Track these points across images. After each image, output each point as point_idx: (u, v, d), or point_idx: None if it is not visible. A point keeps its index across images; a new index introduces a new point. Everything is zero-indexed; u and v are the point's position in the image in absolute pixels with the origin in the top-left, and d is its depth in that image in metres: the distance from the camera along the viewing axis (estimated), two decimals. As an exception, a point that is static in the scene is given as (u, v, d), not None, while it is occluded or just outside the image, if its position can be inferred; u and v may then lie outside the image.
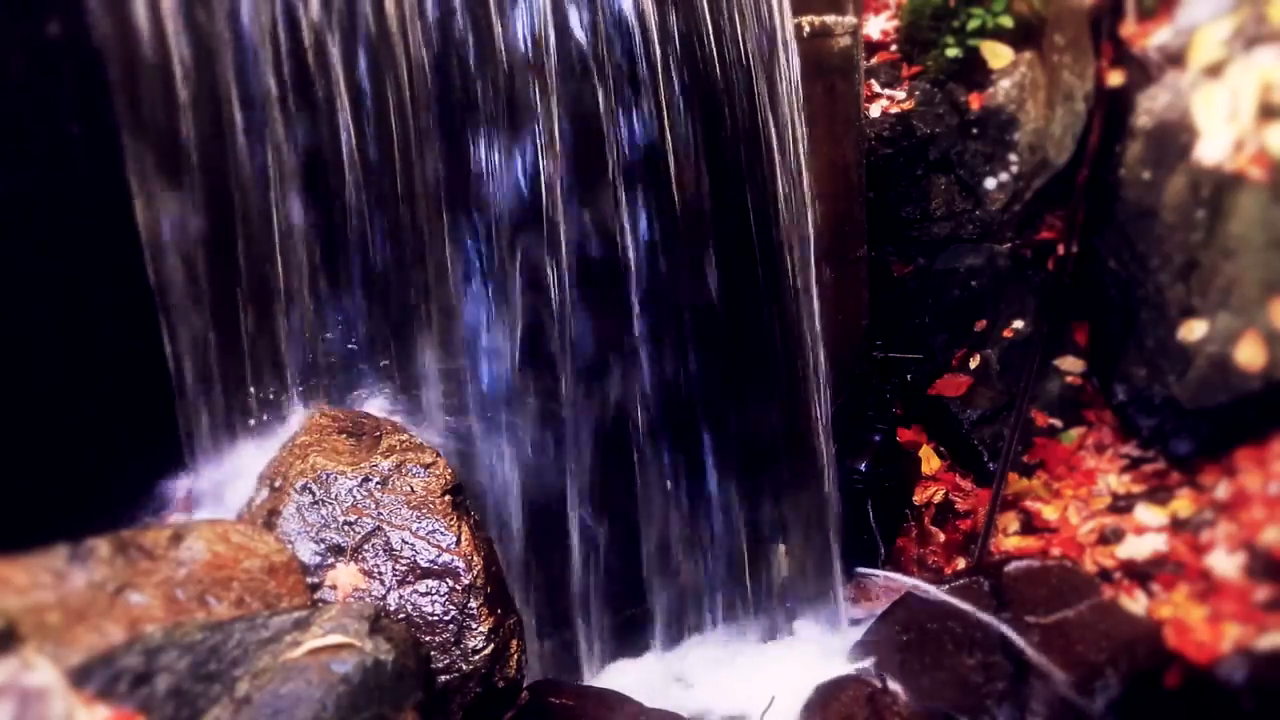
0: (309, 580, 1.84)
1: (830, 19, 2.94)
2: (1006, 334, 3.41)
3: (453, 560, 1.88)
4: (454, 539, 1.90)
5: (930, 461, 3.35)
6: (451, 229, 2.30)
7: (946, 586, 2.69)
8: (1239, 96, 2.97)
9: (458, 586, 1.86)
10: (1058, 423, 3.30)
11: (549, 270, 2.40)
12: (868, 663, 2.57)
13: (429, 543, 1.89)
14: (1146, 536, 2.91)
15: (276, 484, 1.95)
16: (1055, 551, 2.95)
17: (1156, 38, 3.31)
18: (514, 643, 1.89)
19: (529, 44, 2.27)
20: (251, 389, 2.13)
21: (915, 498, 3.29)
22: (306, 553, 1.86)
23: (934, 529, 3.24)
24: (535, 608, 2.47)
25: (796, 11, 2.73)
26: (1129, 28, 3.42)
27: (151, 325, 2.00)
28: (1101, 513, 3.04)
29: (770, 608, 2.88)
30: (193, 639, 1.51)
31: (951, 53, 3.36)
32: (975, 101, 3.36)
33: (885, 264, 3.44)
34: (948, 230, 3.42)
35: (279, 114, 2.06)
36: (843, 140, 3.06)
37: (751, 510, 2.82)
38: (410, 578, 1.86)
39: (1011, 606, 2.59)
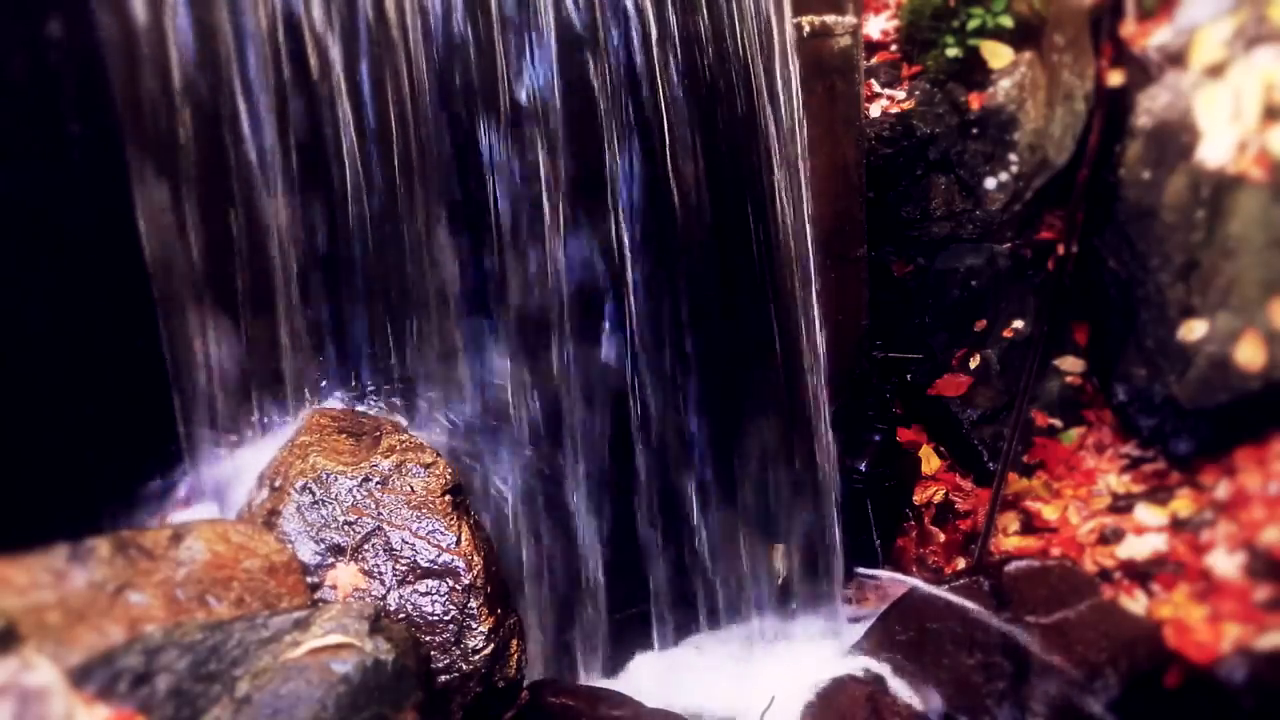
0: (309, 580, 1.84)
1: (830, 19, 2.94)
2: (1006, 334, 3.41)
3: (453, 560, 1.88)
4: (454, 539, 1.90)
5: (930, 461, 3.35)
6: (450, 225, 2.30)
7: (946, 586, 2.69)
8: (1242, 97, 2.96)
9: (458, 586, 1.86)
10: (1058, 423, 3.30)
11: (547, 268, 2.40)
12: (868, 663, 2.57)
13: (429, 542, 1.89)
14: (1146, 536, 2.91)
15: (276, 484, 1.95)
16: (1055, 551, 2.95)
17: (1156, 38, 3.31)
18: (514, 642, 1.89)
19: (529, 46, 2.28)
20: (251, 389, 2.13)
21: (915, 498, 3.29)
22: (306, 552, 1.86)
23: (934, 529, 3.24)
24: (535, 608, 2.47)
25: (796, 11, 2.73)
26: (1129, 28, 3.42)
27: (151, 325, 2.00)
28: (1101, 513, 3.04)
29: (770, 608, 2.88)
30: (193, 639, 1.51)
31: (951, 52, 3.35)
32: (975, 101, 3.35)
33: (885, 264, 3.44)
34: (948, 230, 3.42)
35: (279, 114, 2.06)
36: (843, 140, 3.06)
37: (751, 510, 2.82)
38: (410, 578, 1.86)
39: (1011, 606, 2.58)
